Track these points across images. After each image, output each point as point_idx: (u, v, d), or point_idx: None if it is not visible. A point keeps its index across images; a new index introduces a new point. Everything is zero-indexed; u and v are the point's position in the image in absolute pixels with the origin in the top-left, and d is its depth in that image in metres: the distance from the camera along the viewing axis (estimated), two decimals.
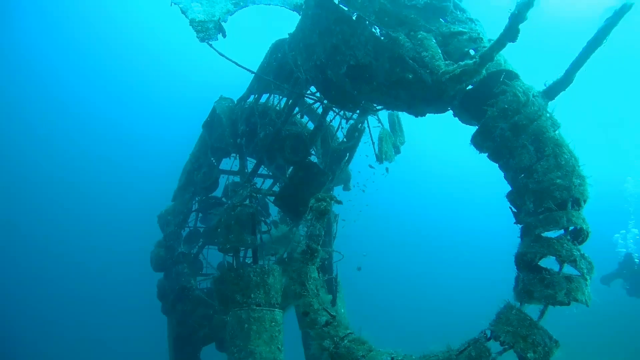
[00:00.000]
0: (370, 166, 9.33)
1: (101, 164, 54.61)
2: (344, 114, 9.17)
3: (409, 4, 6.53)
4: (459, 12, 6.58)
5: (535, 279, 5.11)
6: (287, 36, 9.09)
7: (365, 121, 9.35)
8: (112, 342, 39.01)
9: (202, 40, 7.46)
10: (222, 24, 7.70)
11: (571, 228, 5.26)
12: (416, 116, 7.24)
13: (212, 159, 9.93)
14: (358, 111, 8.85)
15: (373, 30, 6.75)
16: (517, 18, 4.84)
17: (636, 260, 18.25)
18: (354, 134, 9.41)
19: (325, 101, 8.72)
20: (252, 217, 8.70)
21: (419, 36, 6.22)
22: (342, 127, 9.50)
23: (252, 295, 8.33)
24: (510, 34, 4.96)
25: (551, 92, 5.83)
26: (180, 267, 10.48)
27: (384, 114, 9.69)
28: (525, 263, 5.40)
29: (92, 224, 51.31)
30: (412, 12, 6.50)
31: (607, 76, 42.60)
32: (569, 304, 4.90)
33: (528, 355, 4.78)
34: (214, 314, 10.69)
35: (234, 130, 9.64)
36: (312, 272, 5.97)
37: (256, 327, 8.11)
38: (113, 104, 57.08)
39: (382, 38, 6.57)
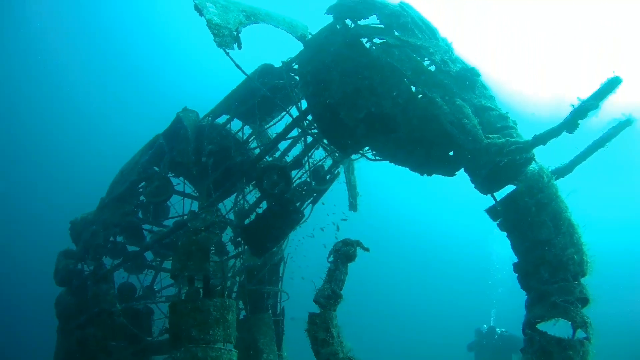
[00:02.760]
0: (344, 219, 9.35)
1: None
2: (326, 155, 9.04)
3: (444, 69, 6.80)
4: (483, 89, 7.03)
5: (553, 340, 5.57)
6: (281, 63, 8.83)
7: (341, 166, 9.31)
8: None
9: (219, 45, 6.91)
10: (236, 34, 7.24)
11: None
12: (421, 174, 7.46)
13: (168, 173, 8.98)
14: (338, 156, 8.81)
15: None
16: (578, 114, 5.36)
17: (498, 331, 19.73)
18: (326, 178, 9.27)
19: (311, 137, 8.58)
20: (219, 245, 8.03)
21: (457, 102, 6.49)
22: (311, 167, 9.31)
23: (210, 331, 7.58)
24: (569, 126, 5.46)
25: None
26: (105, 286, 9.12)
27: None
28: (530, 324, 5.92)
29: None
30: (446, 78, 6.77)
31: None
32: None
33: None
34: (127, 346, 9.49)
35: (199, 147, 8.90)
36: (335, 319, 5.70)
37: None
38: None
39: (418, 96, 6.71)
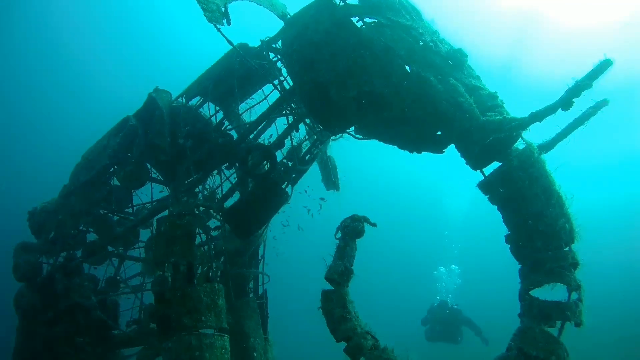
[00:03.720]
0: (322, 199, 9.31)
1: None
2: (307, 134, 8.95)
3: (434, 49, 6.93)
4: (470, 69, 7.23)
5: (552, 304, 5.96)
6: (260, 42, 8.61)
7: (320, 146, 9.25)
8: None
9: (210, 20, 6.67)
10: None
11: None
12: (411, 152, 7.61)
13: (142, 157, 8.51)
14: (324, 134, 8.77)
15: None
16: (573, 93, 5.69)
17: (449, 305, 20.81)
18: (306, 158, 9.19)
19: (293, 117, 8.47)
20: (205, 228, 7.80)
21: (451, 82, 6.65)
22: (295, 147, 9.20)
23: (202, 318, 7.38)
24: (564, 103, 5.78)
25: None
26: (77, 279, 8.57)
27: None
28: (526, 291, 6.30)
29: None
30: (437, 58, 6.91)
31: None
32: (581, 324, 5.83)
33: None
34: (97, 342, 9.03)
35: (175, 128, 8.54)
36: (348, 295, 5.74)
37: (209, 355, 7.20)
38: None
39: (412, 75, 6.79)
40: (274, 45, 8.46)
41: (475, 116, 6.40)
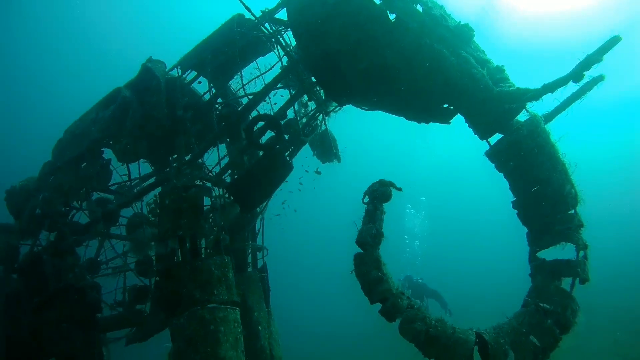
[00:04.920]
0: (318, 171, 9.29)
1: None
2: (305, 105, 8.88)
3: (443, 23, 7.07)
4: (475, 44, 7.44)
5: (563, 262, 6.36)
6: (260, 13, 8.41)
7: (319, 119, 9.22)
8: None
9: None
10: None
11: None
12: (419, 122, 7.76)
13: (138, 129, 8.12)
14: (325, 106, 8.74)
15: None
16: (583, 66, 6.03)
17: (414, 279, 21.16)
18: (305, 130, 9.14)
19: (295, 89, 8.38)
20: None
21: (463, 54, 6.83)
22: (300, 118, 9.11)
23: (215, 291, 7.24)
24: (575, 76, 6.12)
25: None
26: (70, 259, 8.10)
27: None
28: (534, 254, 6.69)
29: None
30: (446, 32, 7.05)
31: None
32: (588, 280, 6.25)
33: (574, 319, 6.08)
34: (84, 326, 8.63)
35: (172, 100, 8.25)
36: (381, 257, 5.84)
37: (223, 329, 7.08)
38: None
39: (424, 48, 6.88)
40: (275, 16, 8.32)
41: (489, 87, 6.63)
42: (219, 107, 8.26)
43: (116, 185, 9.44)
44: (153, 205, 8.14)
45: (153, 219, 8.51)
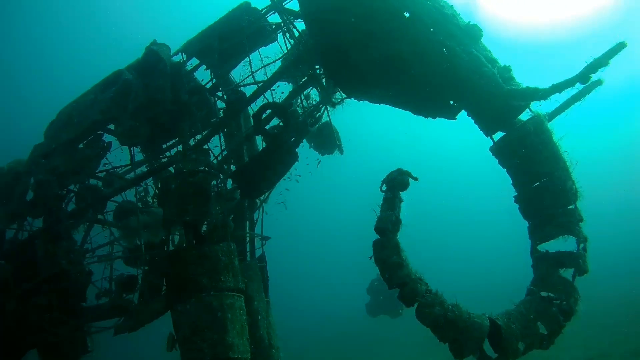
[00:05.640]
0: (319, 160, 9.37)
1: None
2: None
3: (454, 22, 7.26)
4: (483, 44, 7.67)
5: (565, 253, 6.65)
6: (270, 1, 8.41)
7: (325, 110, 9.24)
8: None
9: None
10: None
11: None
12: (426, 117, 7.91)
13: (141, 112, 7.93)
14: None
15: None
16: (590, 69, 6.35)
17: None
18: (307, 121, 9.13)
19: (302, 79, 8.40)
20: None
21: (474, 52, 7.04)
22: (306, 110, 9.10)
23: (222, 278, 7.17)
24: (582, 78, 6.43)
25: None
26: (65, 244, 7.79)
27: None
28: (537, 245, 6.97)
29: None
30: (457, 30, 7.24)
31: None
32: (587, 271, 6.56)
33: (576, 307, 6.38)
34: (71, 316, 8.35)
35: (177, 84, 8.13)
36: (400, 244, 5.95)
37: (230, 316, 7.02)
38: None
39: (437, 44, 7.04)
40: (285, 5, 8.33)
41: (500, 85, 6.87)
42: (225, 95, 8.17)
43: (105, 172, 9.19)
44: (156, 191, 7.96)
45: (154, 203, 8.33)
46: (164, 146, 9.41)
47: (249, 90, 8.59)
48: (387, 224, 5.88)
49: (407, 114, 8.20)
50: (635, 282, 32.89)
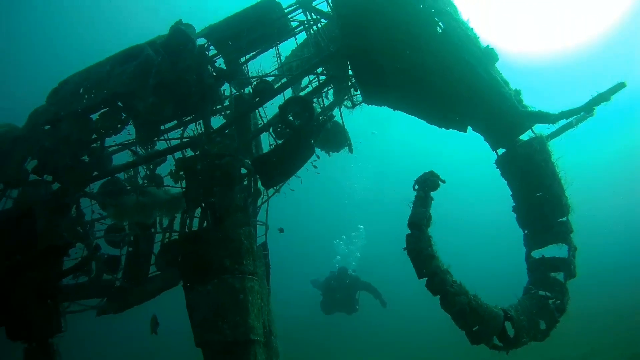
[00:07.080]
0: (327, 153, 9.63)
1: None
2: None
3: (477, 44, 7.96)
4: (496, 68, 8.44)
5: (560, 259, 7.51)
6: None
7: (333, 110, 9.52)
8: None
9: None
10: None
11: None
12: (439, 127, 8.49)
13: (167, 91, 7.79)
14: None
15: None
16: (594, 102, 7.32)
17: (349, 272, 21.73)
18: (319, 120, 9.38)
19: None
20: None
21: (493, 74, 7.78)
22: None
23: (244, 261, 7.25)
24: (588, 108, 7.38)
25: None
26: (71, 216, 7.40)
27: None
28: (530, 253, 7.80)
29: None
30: (478, 52, 7.95)
31: None
32: (575, 276, 7.47)
33: (567, 306, 7.21)
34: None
35: (202, 67, 8.13)
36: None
37: (251, 299, 7.13)
38: None
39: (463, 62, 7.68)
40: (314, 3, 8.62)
41: (515, 105, 7.66)
42: (254, 83, 8.28)
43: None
44: (174, 168, 7.85)
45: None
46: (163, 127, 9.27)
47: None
48: (422, 219, 6.37)
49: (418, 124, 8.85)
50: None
